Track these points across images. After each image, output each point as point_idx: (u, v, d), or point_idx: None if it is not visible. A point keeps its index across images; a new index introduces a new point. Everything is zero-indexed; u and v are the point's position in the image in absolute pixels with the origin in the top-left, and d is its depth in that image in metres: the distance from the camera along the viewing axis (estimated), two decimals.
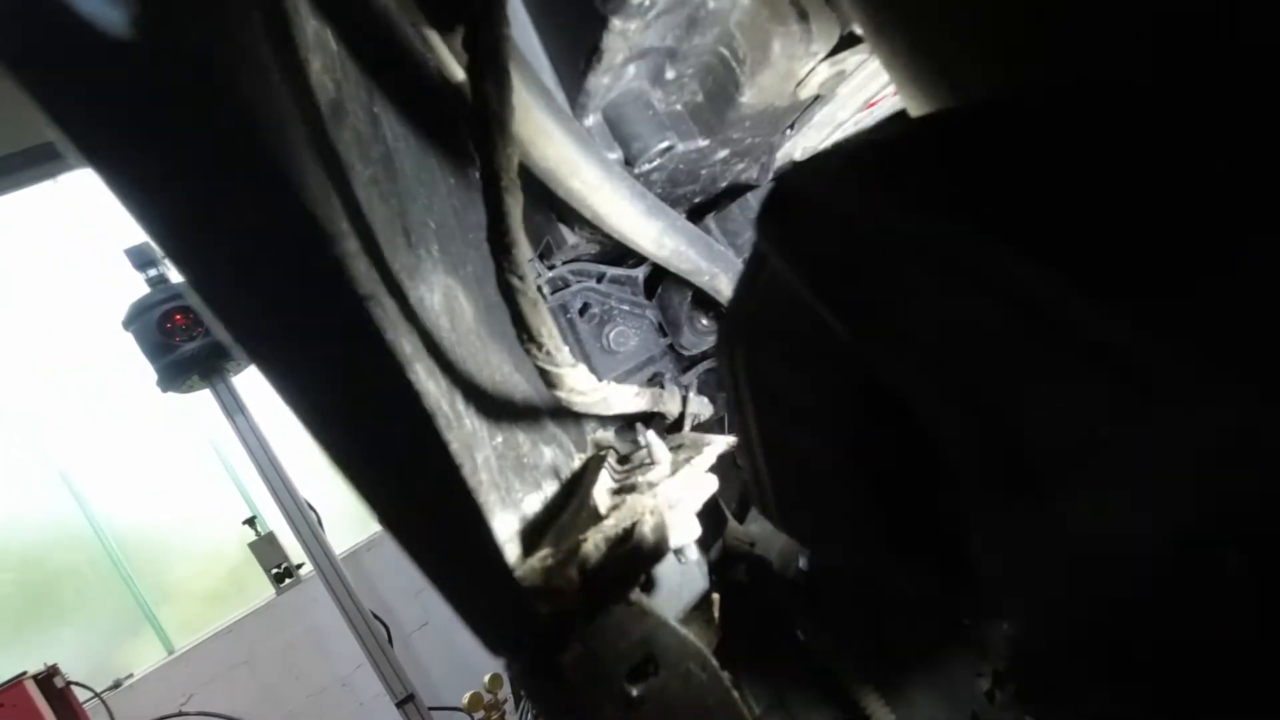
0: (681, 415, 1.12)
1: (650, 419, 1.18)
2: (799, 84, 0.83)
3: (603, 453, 0.88)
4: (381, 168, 0.67)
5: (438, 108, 0.88)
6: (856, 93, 0.93)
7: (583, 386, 0.67)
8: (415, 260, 0.70)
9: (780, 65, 0.78)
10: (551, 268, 1.21)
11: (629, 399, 0.77)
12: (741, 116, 0.87)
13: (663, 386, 1.23)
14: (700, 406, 1.16)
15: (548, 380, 0.65)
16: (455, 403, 0.67)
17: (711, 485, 0.71)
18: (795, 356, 0.47)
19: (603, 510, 0.69)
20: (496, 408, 0.79)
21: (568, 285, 1.24)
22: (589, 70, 0.80)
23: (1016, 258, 0.30)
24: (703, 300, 1.37)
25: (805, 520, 0.54)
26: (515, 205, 0.55)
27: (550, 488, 0.87)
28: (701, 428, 1.18)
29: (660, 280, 1.35)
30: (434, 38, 0.58)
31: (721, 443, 0.76)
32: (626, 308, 1.32)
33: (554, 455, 0.94)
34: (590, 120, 0.90)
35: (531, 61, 0.83)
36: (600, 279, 1.26)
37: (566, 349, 0.64)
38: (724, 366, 0.51)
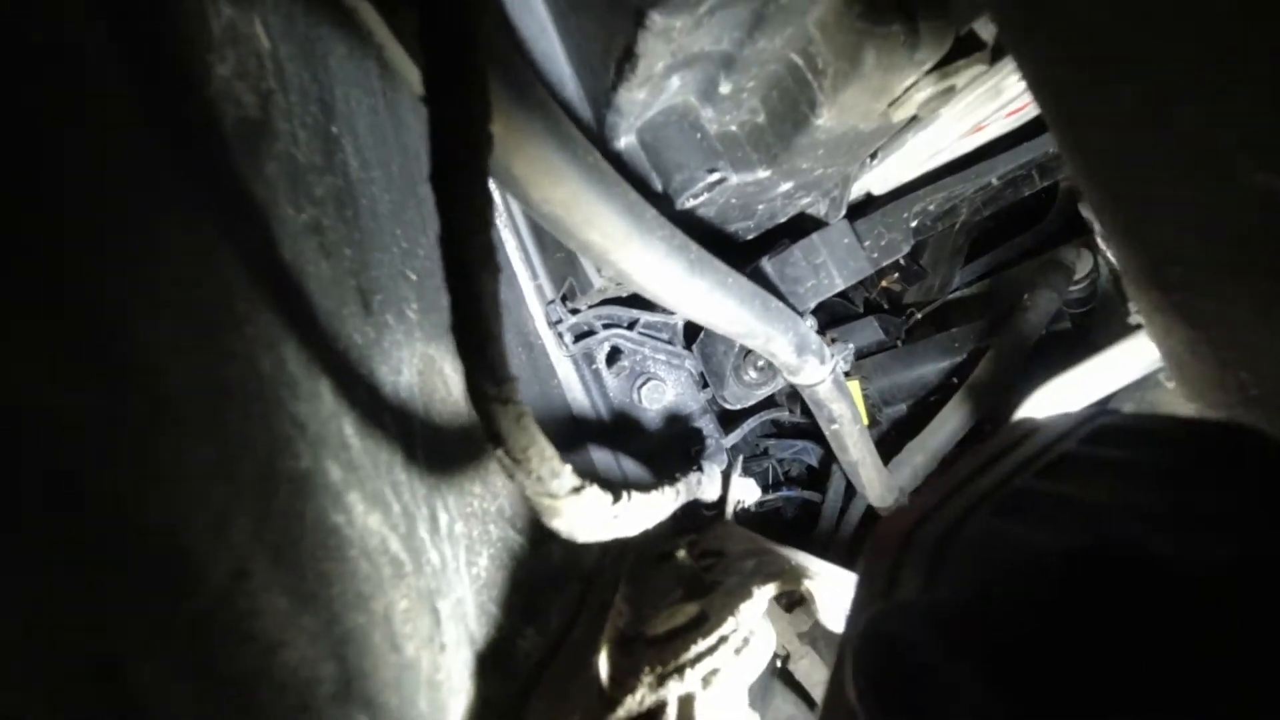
0: (723, 500, 0.92)
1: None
2: (894, 103, 0.64)
3: (614, 576, 0.68)
4: (330, 208, 0.50)
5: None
6: (964, 115, 0.73)
7: (589, 517, 0.49)
8: (375, 331, 0.52)
9: (873, 79, 0.59)
10: (575, 312, 1.03)
11: (653, 509, 0.58)
12: (814, 142, 0.68)
13: (700, 461, 1.03)
14: (745, 491, 0.96)
15: (541, 513, 0.46)
16: (415, 533, 0.48)
17: (767, 650, 0.51)
18: None
19: (605, 679, 0.50)
20: (487, 515, 0.61)
21: (593, 333, 1.05)
22: (621, 82, 0.62)
23: None
24: (750, 350, 1.17)
25: None
26: (487, 279, 0.37)
27: (549, 602, 0.69)
28: (747, 520, 0.98)
29: (702, 326, 1.15)
30: (378, 24, 0.40)
31: (775, 584, 0.57)
32: (662, 357, 1.13)
33: (561, 556, 0.75)
34: (622, 144, 0.72)
35: (542, 66, 0.65)
36: (632, 325, 1.08)
37: (568, 469, 0.46)
38: None
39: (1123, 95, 0.42)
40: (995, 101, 0.71)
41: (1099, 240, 1.19)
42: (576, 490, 0.47)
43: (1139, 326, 0.80)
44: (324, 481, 0.40)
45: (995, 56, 0.63)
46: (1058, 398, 0.84)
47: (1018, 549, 0.34)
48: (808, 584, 0.54)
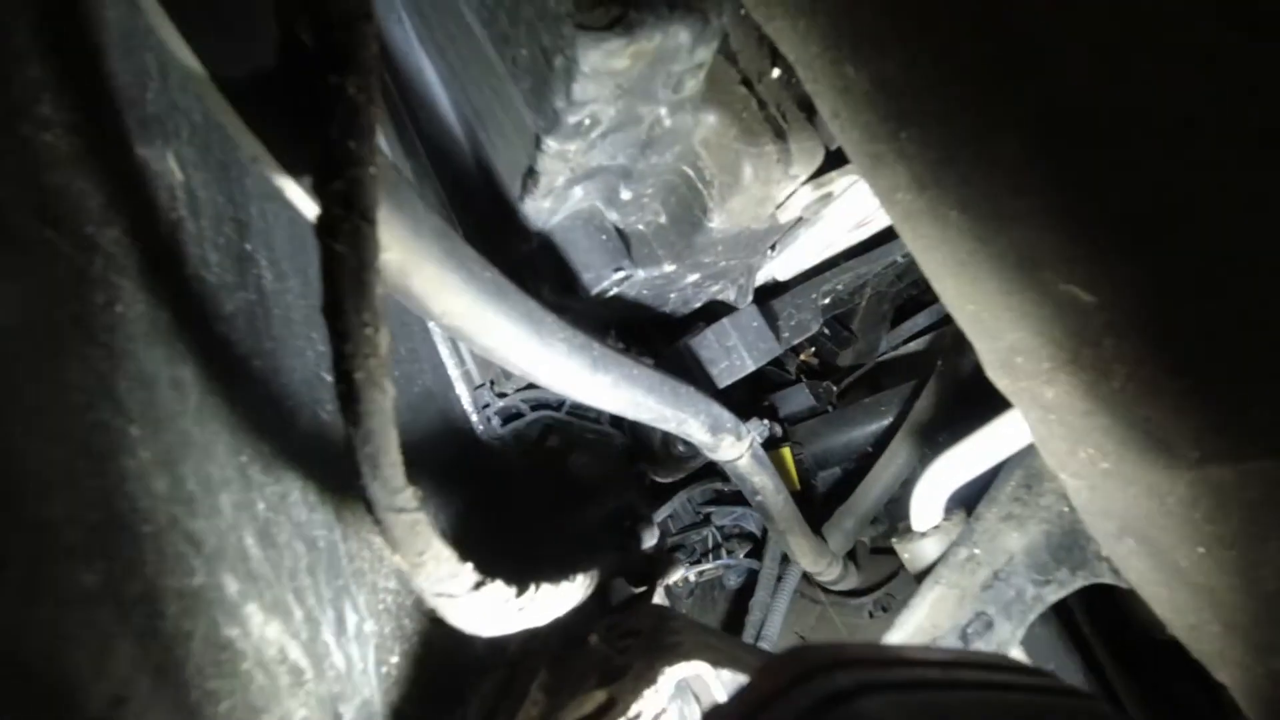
0: (650, 577, 0.94)
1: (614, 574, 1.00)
2: (779, 207, 0.70)
3: (535, 663, 0.70)
4: (240, 322, 0.53)
5: None
6: (847, 214, 0.80)
7: (492, 612, 0.51)
8: (283, 437, 0.54)
9: (754, 189, 0.65)
10: (502, 395, 1.06)
11: (564, 598, 0.60)
12: (711, 241, 0.74)
13: (635, 534, 1.05)
14: (671, 568, 0.98)
15: (442, 613, 0.48)
16: (319, 637, 0.50)
17: None
18: None
19: None
20: (402, 609, 0.62)
21: (522, 415, 1.08)
22: (526, 194, 0.67)
23: None
24: None
25: None
26: (377, 397, 0.40)
27: (471, 693, 0.69)
28: (689, 591, 1.00)
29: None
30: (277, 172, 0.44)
31: (683, 664, 0.59)
32: (591, 435, 1.16)
33: (485, 643, 0.76)
34: (534, 244, 0.77)
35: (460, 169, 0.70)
36: (560, 406, 1.11)
37: (467, 567, 0.48)
38: None
39: (951, 218, 0.49)
40: (873, 203, 0.79)
41: None
42: (477, 587, 0.49)
43: None
44: (218, 596, 0.41)
45: None
46: (951, 472, 0.90)
47: None
48: (709, 666, 0.56)
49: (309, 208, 0.44)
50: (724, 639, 0.70)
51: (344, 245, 0.38)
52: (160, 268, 0.45)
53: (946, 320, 1.72)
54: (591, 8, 0.49)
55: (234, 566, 0.43)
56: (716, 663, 0.57)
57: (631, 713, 0.52)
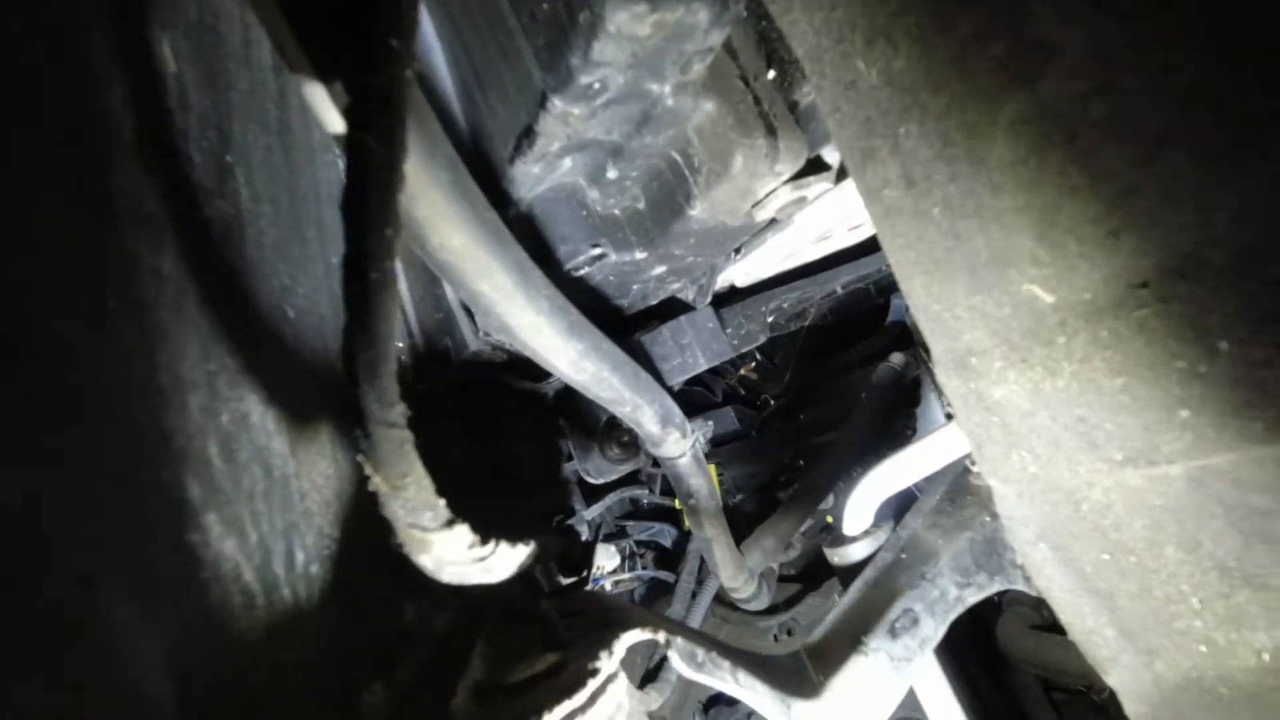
0: (585, 566, 0.93)
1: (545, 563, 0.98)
2: (757, 204, 0.73)
3: (479, 623, 0.67)
4: (216, 230, 0.50)
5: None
6: (814, 223, 0.85)
7: (457, 555, 0.49)
8: (247, 358, 0.51)
9: (739, 181, 0.68)
10: (447, 373, 1.03)
11: (515, 559, 0.59)
12: (687, 231, 0.76)
13: (566, 526, 1.04)
14: (606, 557, 0.98)
15: (408, 546, 0.46)
16: (270, 566, 0.47)
17: (625, 698, 0.53)
18: None
19: None
20: (342, 561, 0.59)
21: (463, 394, 1.06)
22: (519, 155, 0.67)
23: None
24: (615, 425, 1.21)
25: None
26: (387, 303, 0.39)
27: (398, 661, 0.66)
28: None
29: (571, 399, 1.19)
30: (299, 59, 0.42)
31: (637, 630, 0.59)
32: (530, 426, 1.14)
33: (414, 615, 0.73)
34: (514, 211, 0.76)
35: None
36: (504, 391, 1.09)
37: (442, 503, 0.46)
38: None
39: (933, 215, 0.53)
40: (838, 214, 0.84)
41: (919, 348, 1.37)
42: (449, 524, 0.48)
43: (951, 418, 0.93)
44: (182, 496, 0.38)
45: (840, 177, 0.76)
46: (883, 482, 0.95)
47: None
48: (665, 633, 0.56)
49: (328, 110, 0.43)
50: (667, 618, 0.70)
51: (375, 141, 0.38)
52: (149, 149, 0.43)
53: (866, 361, 1.82)
54: None
55: (196, 472, 0.40)
56: (672, 630, 0.57)
57: (585, 674, 0.52)
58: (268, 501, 0.48)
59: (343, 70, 0.40)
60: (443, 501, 0.47)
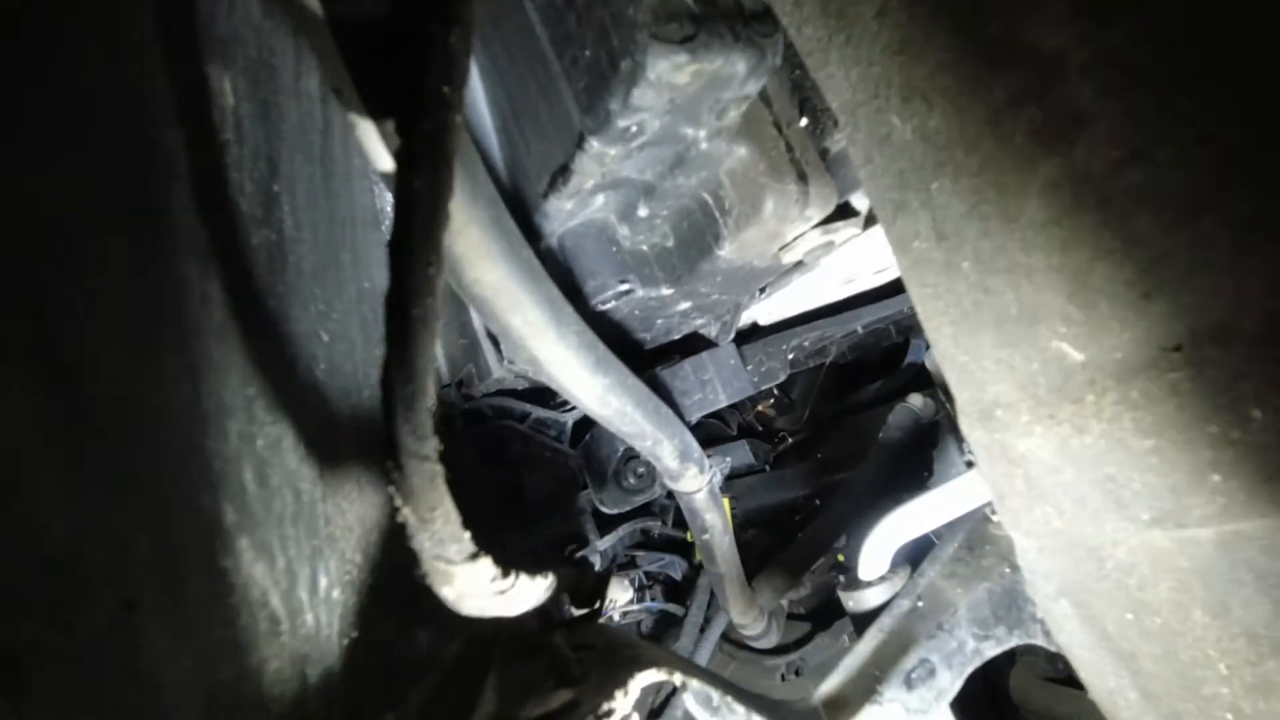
0: (598, 598, 0.93)
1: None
2: (784, 247, 0.74)
3: (487, 645, 0.67)
4: (262, 257, 0.51)
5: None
6: (841, 267, 0.85)
7: (479, 587, 0.49)
8: (283, 383, 0.52)
9: (769, 224, 0.69)
10: (469, 399, 1.04)
11: (534, 593, 0.59)
12: (714, 270, 0.77)
13: (579, 557, 1.04)
14: (620, 590, 0.97)
15: (433, 578, 0.47)
16: (295, 591, 0.47)
17: None
18: None
19: None
20: (363, 588, 0.59)
21: (485, 419, 1.07)
22: (553, 191, 0.69)
23: None
24: (633, 457, 1.22)
25: None
26: (427, 338, 0.40)
27: (410, 690, 0.66)
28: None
29: (589, 427, 1.19)
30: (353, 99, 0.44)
31: (652, 670, 0.58)
32: (548, 454, 1.15)
33: (426, 645, 0.73)
34: (544, 245, 0.78)
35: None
36: (523, 419, 1.10)
37: (468, 535, 0.47)
38: None
39: (963, 268, 0.53)
40: (865, 260, 0.84)
41: (939, 391, 1.37)
42: (473, 558, 0.48)
43: (971, 465, 0.93)
44: (218, 521, 0.39)
45: (868, 224, 0.76)
46: (901, 527, 0.95)
47: None
48: (680, 674, 0.56)
49: (378, 149, 0.44)
50: (679, 656, 0.70)
51: (422, 183, 0.39)
52: (205, 181, 0.44)
53: (883, 400, 1.81)
54: (667, 22, 0.52)
55: (233, 497, 0.41)
56: (687, 671, 0.57)
57: (601, 711, 0.51)
58: (295, 526, 0.48)
59: (395, 111, 0.42)
60: (468, 535, 0.47)
